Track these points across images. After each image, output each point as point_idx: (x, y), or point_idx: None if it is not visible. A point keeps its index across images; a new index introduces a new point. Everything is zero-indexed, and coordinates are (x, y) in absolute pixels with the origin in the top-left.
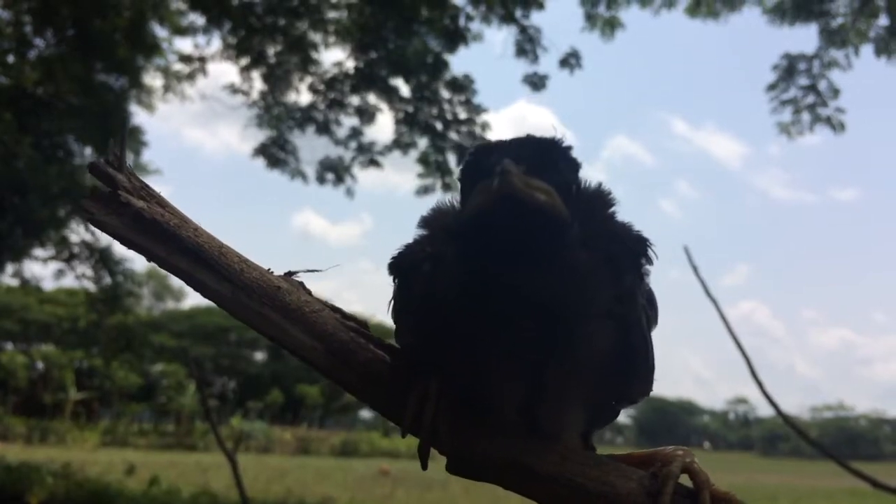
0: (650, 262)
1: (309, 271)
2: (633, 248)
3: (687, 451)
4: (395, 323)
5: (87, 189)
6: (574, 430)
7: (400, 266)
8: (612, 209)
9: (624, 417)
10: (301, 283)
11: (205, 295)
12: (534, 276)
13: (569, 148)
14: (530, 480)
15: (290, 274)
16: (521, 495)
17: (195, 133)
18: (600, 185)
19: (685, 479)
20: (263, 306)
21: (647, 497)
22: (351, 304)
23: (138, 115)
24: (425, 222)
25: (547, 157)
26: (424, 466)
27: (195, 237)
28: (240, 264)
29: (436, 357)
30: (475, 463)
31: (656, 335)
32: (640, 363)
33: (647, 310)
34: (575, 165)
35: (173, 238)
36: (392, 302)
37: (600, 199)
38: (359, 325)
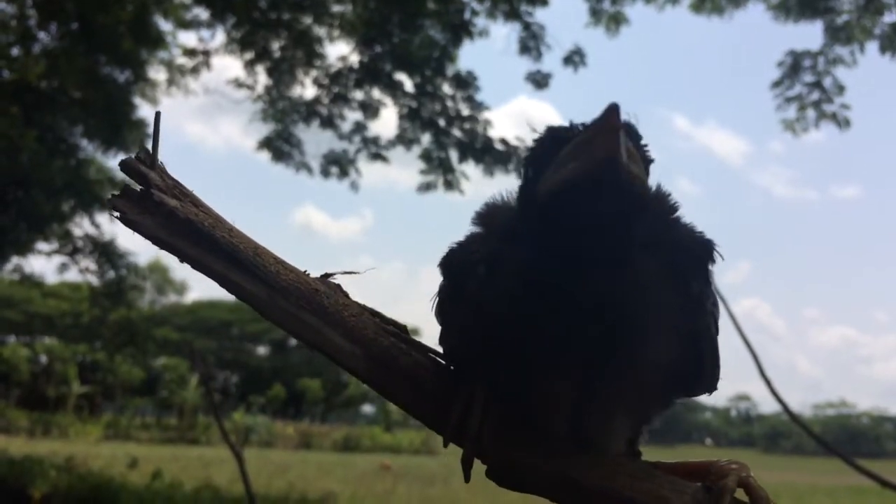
0: (715, 264)
1: (346, 273)
2: (700, 255)
3: (742, 464)
4: (440, 324)
5: (93, 183)
6: (622, 439)
7: (451, 267)
8: (677, 214)
9: None
10: (339, 286)
11: (240, 297)
12: (596, 285)
13: (646, 144)
14: (578, 493)
15: (327, 276)
16: None
17: (196, 127)
18: (660, 186)
19: (740, 495)
20: (301, 309)
21: None
22: None
23: (141, 109)
24: (480, 219)
25: (634, 140)
26: (467, 478)
27: (230, 237)
28: (276, 266)
29: (483, 363)
30: (520, 474)
31: None
32: (706, 369)
33: (714, 316)
34: (648, 160)
35: (208, 238)
36: (438, 302)
37: (664, 204)
38: (399, 330)
